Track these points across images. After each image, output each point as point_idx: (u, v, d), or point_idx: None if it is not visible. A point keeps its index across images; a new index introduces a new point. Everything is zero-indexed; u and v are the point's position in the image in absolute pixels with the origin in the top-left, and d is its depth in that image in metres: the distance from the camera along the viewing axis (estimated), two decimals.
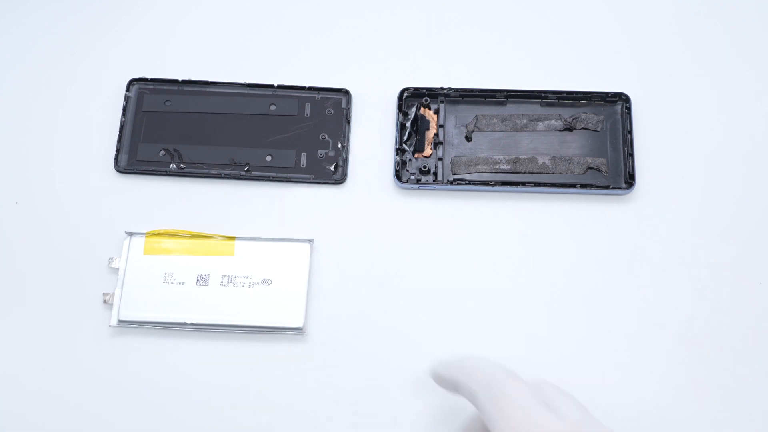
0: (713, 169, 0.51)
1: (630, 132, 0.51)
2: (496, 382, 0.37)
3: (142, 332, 0.48)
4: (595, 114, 0.52)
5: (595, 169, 0.51)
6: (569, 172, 0.51)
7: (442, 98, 0.53)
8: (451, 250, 0.49)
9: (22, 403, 0.46)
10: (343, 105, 0.53)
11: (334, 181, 0.51)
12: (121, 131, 0.52)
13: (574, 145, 0.51)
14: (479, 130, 0.52)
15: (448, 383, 0.40)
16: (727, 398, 0.46)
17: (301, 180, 0.51)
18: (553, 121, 0.52)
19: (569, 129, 0.52)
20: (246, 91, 0.53)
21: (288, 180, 0.51)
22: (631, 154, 0.50)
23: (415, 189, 0.51)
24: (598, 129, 0.52)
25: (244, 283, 0.48)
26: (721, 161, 0.51)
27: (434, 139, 0.52)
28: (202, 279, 0.48)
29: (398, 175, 0.51)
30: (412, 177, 0.51)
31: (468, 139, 0.52)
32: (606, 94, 0.52)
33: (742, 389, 0.46)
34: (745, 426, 0.46)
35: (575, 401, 0.37)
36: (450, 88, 0.52)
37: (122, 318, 0.47)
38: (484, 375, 0.38)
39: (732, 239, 0.49)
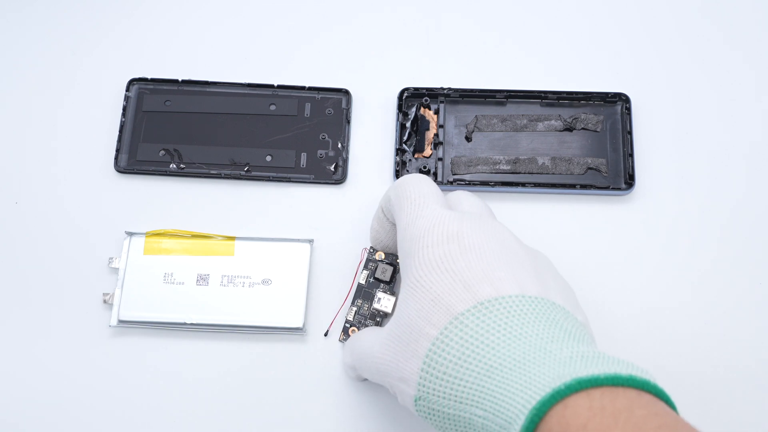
0: (713, 169, 0.51)
1: (630, 132, 0.51)
2: (403, 184, 0.41)
3: (142, 332, 0.48)
4: (595, 114, 0.52)
5: (595, 169, 0.51)
6: (569, 172, 0.51)
7: (442, 98, 0.53)
8: None
9: (22, 403, 0.46)
10: (343, 105, 0.53)
11: (334, 181, 0.51)
12: (121, 131, 0.52)
13: (573, 146, 0.51)
14: (479, 130, 0.52)
15: (384, 202, 0.44)
16: (728, 398, 0.46)
17: (301, 180, 0.51)
18: (552, 122, 0.52)
19: (569, 129, 0.52)
20: (246, 91, 0.53)
21: (288, 180, 0.51)
22: (631, 155, 0.50)
23: None
24: (598, 129, 0.52)
25: (244, 283, 0.48)
26: (721, 161, 0.51)
27: (434, 140, 0.52)
28: (202, 279, 0.48)
29: (398, 175, 0.51)
30: None
31: (468, 139, 0.52)
32: (606, 94, 0.52)
33: (742, 389, 0.46)
34: (744, 426, 0.46)
35: (483, 203, 0.42)
36: (450, 88, 0.52)
37: (122, 318, 0.47)
38: (401, 183, 0.42)
39: (732, 239, 0.49)
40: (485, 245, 0.37)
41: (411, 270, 0.38)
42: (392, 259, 0.47)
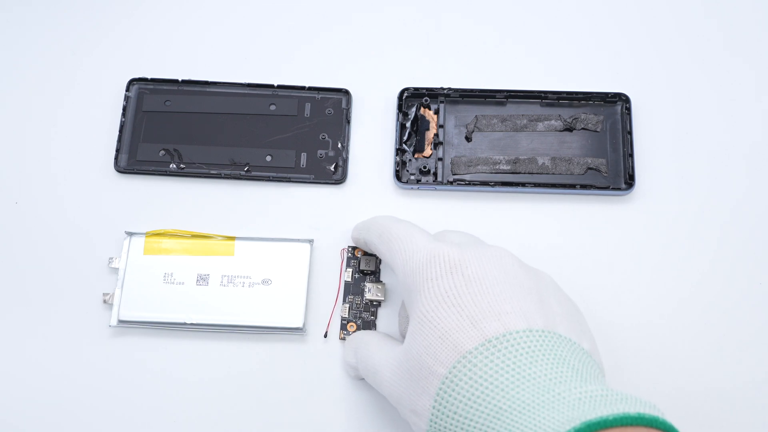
0: (713, 169, 0.51)
1: (630, 132, 0.51)
2: (387, 229, 0.42)
3: (142, 332, 0.48)
4: (595, 114, 0.52)
5: (595, 169, 0.51)
6: (569, 172, 0.51)
7: (442, 98, 0.53)
8: None
9: (22, 403, 0.46)
10: (343, 105, 0.53)
11: (334, 181, 0.51)
12: (121, 131, 0.52)
13: (573, 146, 0.51)
14: (479, 130, 0.52)
15: (361, 242, 0.46)
16: (727, 399, 0.46)
17: (301, 180, 0.51)
18: (552, 122, 0.52)
19: (569, 129, 0.52)
20: (246, 91, 0.53)
21: (288, 180, 0.51)
22: (631, 155, 0.50)
23: (415, 189, 0.51)
24: (598, 129, 0.52)
25: (244, 283, 0.48)
26: (721, 161, 0.51)
27: (434, 140, 0.52)
28: (202, 279, 0.48)
29: (398, 176, 0.51)
30: (412, 177, 0.51)
31: (468, 139, 0.52)
32: (606, 94, 0.52)
33: (742, 390, 0.46)
34: (744, 426, 0.46)
35: (469, 234, 0.43)
36: (450, 88, 0.52)
37: (122, 318, 0.47)
38: (378, 224, 0.43)
39: (732, 239, 0.49)
40: (489, 274, 0.37)
41: (417, 305, 0.37)
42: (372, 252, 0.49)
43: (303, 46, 0.55)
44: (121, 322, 0.47)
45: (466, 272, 0.37)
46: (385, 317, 0.48)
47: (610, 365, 0.47)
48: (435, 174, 0.51)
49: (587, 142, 0.52)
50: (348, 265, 0.49)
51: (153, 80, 0.53)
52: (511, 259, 0.39)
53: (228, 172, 0.51)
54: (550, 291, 0.39)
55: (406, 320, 0.44)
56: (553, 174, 0.51)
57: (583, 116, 0.52)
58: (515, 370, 0.34)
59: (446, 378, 0.35)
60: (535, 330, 0.35)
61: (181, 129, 0.52)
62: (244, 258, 0.48)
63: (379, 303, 0.48)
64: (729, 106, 0.53)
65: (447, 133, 0.52)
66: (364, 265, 0.48)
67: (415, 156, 0.52)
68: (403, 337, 0.44)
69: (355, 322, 0.47)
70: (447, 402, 0.35)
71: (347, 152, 0.52)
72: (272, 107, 0.53)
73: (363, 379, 0.44)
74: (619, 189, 0.50)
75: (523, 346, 0.34)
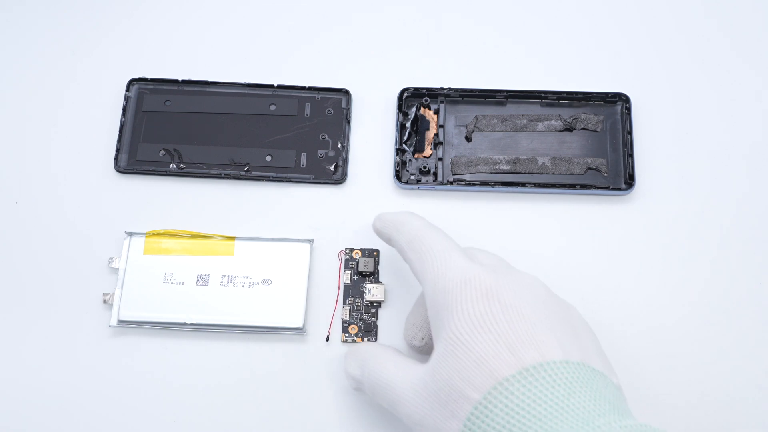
0: (713, 169, 0.51)
1: (630, 132, 0.51)
2: (419, 237, 0.41)
3: (142, 332, 0.48)
4: (595, 114, 0.52)
5: (595, 169, 0.51)
6: (569, 172, 0.51)
7: (442, 98, 0.53)
8: None
9: (21, 403, 0.46)
10: (343, 105, 0.53)
11: (334, 181, 0.51)
12: (121, 131, 0.52)
13: (573, 146, 0.51)
14: (479, 130, 0.52)
15: (384, 237, 0.44)
16: (728, 399, 0.46)
17: (301, 180, 0.51)
18: (552, 122, 0.52)
19: (569, 129, 0.52)
20: (246, 91, 0.53)
21: (288, 180, 0.51)
22: (631, 155, 0.50)
23: (415, 189, 0.51)
24: (598, 129, 0.52)
25: (244, 283, 0.48)
26: (721, 161, 0.51)
27: (434, 140, 0.52)
28: (202, 279, 0.48)
29: (398, 176, 0.51)
30: (412, 177, 0.51)
31: (468, 139, 0.52)
32: (606, 94, 0.52)
33: (742, 390, 0.46)
34: (745, 426, 0.46)
35: (498, 257, 0.42)
36: (450, 88, 0.52)
37: (122, 318, 0.47)
38: (409, 230, 0.42)
39: (732, 239, 0.49)
40: (524, 302, 0.37)
41: (449, 324, 0.36)
42: (369, 252, 0.49)
43: (303, 46, 0.55)
44: (121, 322, 0.47)
45: (502, 298, 0.36)
46: (385, 318, 0.48)
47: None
48: (435, 174, 0.51)
49: (587, 142, 0.52)
50: (346, 267, 0.49)
51: (153, 80, 0.53)
52: (544, 288, 0.39)
53: (228, 172, 0.51)
54: (580, 323, 0.38)
55: (421, 331, 0.43)
56: (553, 174, 0.51)
57: (583, 116, 0.52)
58: (553, 401, 0.33)
59: (479, 403, 0.34)
60: (573, 362, 0.35)
61: (181, 129, 0.52)
62: (244, 258, 0.48)
63: (379, 304, 0.48)
64: (729, 106, 0.53)
65: (447, 133, 0.52)
66: (363, 267, 0.48)
67: (415, 156, 0.52)
68: (411, 346, 0.44)
69: (357, 324, 0.47)
70: (479, 428, 0.34)
71: (347, 152, 0.52)
72: (272, 107, 0.53)
73: (361, 391, 0.43)
74: (619, 189, 0.50)
75: (561, 377, 0.34)
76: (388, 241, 0.44)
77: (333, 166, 0.51)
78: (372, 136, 0.52)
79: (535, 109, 0.53)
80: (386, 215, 0.44)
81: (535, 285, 0.38)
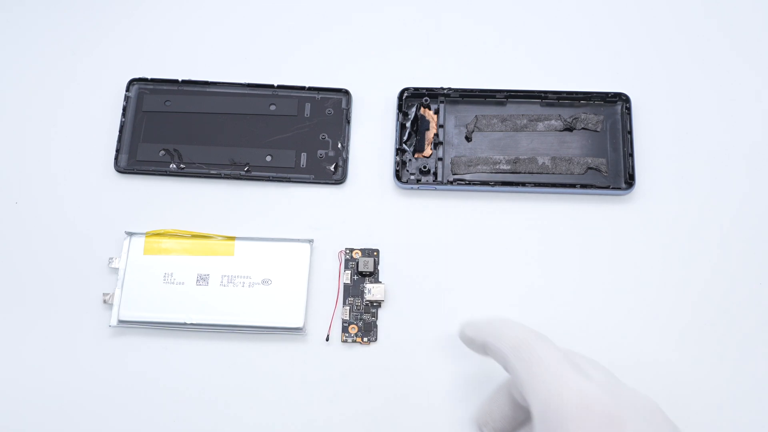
0: (713, 169, 0.51)
1: (630, 132, 0.51)
2: (527, 345, 0.37)
3: (142, 332, 0.48)
4: (595, 114, 0.52)
5: (595, 169, 0.51)
6: (569, 172, 0.51)
7: (442, 98, 0.53)
8: (451, 250, 0.49)
9: (21, 403, 0.46)
10: (343, 105, 0.53)
11: (334, 181, 0.51)
12: (121, 131, 0.52)
13: (574, 146, 0.51)
14: (479, 130, 0.52)
15: (477, 345, 0.40)
16: (728, 399, 0.46)
17: (301, 180, 0.51)
18: (552, 122, 0.52)
19: (569, 129, 0.52)
20: (246, 91, 0.53)
21: (288, 180, 0.51)
22: (631, 154, 0.50)
23: (415, 189, 0.51)
24: (598, 129, 0.52)
25: (244, 283, 0.48)
26: (721, 161, 0.51)
27: (434, 139, 0.52)
28: (202, 279, 0.48)
29: (398, 176, 0.51)
30: (412, 177, 0.51)
31: (468, 139, 0.52)
32: (606, 94, 0.52)
33: (742, 390, 0.46)
34: (744, 426, 0.46)
35: (602, 365, 0.38)
36: (450, 88, 0.52)
37: (122, 318, 0.47)
38: (515, 337, 0.38)
39: (732, 239, 0.49)
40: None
41: None
42: (369, 252, 0.49)
43: (303, 46, 0.55)
44: (121, 322, 0.47)
45: (625, 429, 0.34)
46: (385, 318, 0.48)
47: (607, 364, 0.47)
48: (435, 174, 0.51)
49: (587, 141, 0.52)
50: (346, 267, 0.49)
51: (153, 80, 0.53)
52: (662, 413, 0.36)
53: (228, 172, 0.51)
54: None
55: (495, 423, 0.41)
56: (553, 174, 0.51)
57: (583, 116, 0.52)
58: None
59: None
60: None
61: (181, 129, 0.52)
62: (244, 258, 0.48)
63: (379, 304, 0.48)
64: (729, 106, 0.53)
65: (447, 133, 0.52)
66: (363, 267, 0.48)
67: (415, 156, 0.52)
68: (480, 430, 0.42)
69: (357, 324, 0.47)
70: None
71: (347, 152, 0.52)
72: (272, 107, 0.53)
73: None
74: (619, 189, 0.50)
75: None
76: (482, 347, 0.40)
77: (333, 166, 0.51)
78: (372, 136, 0.52)
79: (535, 109, 0.53)
80: (478, 322, 0.40)
81: (656, 411, 0.36)
